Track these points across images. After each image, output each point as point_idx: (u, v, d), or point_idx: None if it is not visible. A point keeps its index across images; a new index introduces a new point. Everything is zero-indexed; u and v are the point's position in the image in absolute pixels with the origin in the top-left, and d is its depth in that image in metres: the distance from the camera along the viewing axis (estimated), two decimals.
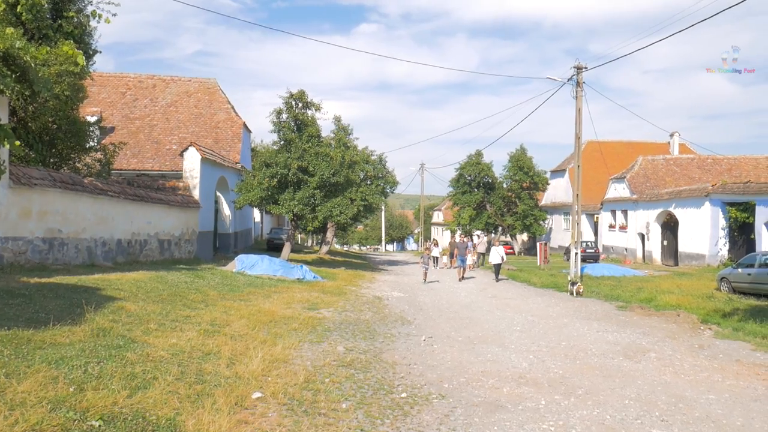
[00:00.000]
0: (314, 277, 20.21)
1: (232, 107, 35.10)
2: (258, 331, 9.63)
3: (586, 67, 21.36)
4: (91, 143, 19.60)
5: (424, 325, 12.42)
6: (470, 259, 25.79)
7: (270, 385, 6.50)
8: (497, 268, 24.11)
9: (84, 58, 15.44)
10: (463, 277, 24.19)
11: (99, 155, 19.66)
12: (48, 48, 15.20)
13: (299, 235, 68.24)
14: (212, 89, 35.65)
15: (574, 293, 18.30)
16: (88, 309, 8.68)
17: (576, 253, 21.49)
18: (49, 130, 17.44)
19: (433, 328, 11.96)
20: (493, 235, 54.31)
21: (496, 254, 23.92)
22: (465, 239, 27.31)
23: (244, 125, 34.74)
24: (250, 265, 19.30)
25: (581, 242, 43.17)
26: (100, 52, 17.77)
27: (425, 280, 22.62)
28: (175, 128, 32.77)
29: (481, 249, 36.29)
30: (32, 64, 12.42)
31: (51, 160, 18.28)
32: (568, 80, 21.56)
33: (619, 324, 12.70)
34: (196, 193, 23.59)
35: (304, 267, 20.81)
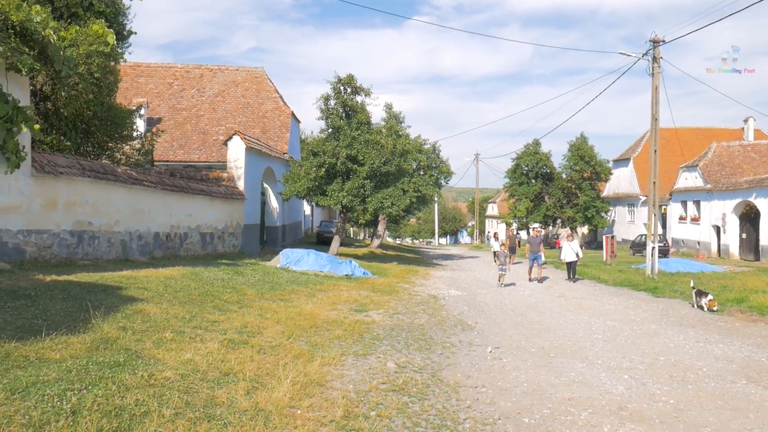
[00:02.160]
0: (364, 273, 18.74)
1: (280, 96, 34.00)
2: (294, 340, 8.17)
3: (663, 41, 19.17)
4: (131, 132, 18.60)
5: (488, 330, 10.76)
6: (544, 257, 21.66)
7: (298, 422, 5.00)
8: (571, 267, 20.69)
9: (114, 37, 14.40)
10: (533, 278, 20.68)
11: (137, 144, 18.64)
12: (77, 27, 14.20)
13: (351, 229, 67.20)
14: (260, 78, 34.63)
15: (705, 307, 13.38)
16: (96, 314, 7.40)
17: (654, 248, 19.37)
18: (84, 117, 16.49)
19: (498, 336, 10.30)
20: (551, 228, 51.89)
21: (570, 250, 20.56)
22: (540, 233, 23.04)
23: (293, 114, 33.59)
24: (295, 260, 17.98)
25: (645, 236, 40.63)
26: (135, 33, 16.67)
27: (501, 283, 18.85)
28: (222, 118, 31.88)
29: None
30: (52, 40, 11.31)
31: (89, 149, 17.38)
32: (643, 55, 19.41)
33: (721, 333, 10.74)
34: (240, 184, 22.46)
35: (353, 262, 19.36)
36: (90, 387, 4.96)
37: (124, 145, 18.60)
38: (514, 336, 10.29)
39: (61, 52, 11.70)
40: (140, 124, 23.69)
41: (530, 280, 20.46)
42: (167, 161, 28.44)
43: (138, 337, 6.91)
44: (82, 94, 15.51)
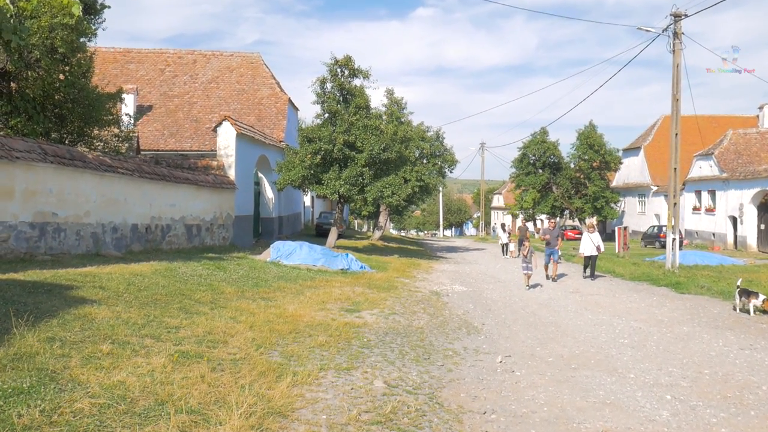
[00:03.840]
0: (361, 267, 17.39)
1: (277, 83, 32.63)
2: (265, 350, 6.83)
3: (685, 15, 17.67)
4: (114, 118, 17.23)
5: (497, 334, 9.40)
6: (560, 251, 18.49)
7: None
8: (591, 263, 18.02)
9: (80, 8, 13.02)
10: (551, 276, 17.64)
11: (115, 129, 17.27)
12: None
13: (355, 221, 65.82)
14: (255, 64, 33.23)
15: (752, 310, 11.23)
16: (20, 321, 6.05)
17: (674, 239, 17.96)
18: (55, 100, 15.16)
19: (509, 340, 8.94)
20: (558, 219, 50.26)
21: (590, 243, 17.72)
22: (555, 224, 19.69)
23: (290, 102, 32.21)
24: (286, 253, 16.64)
25: (658, 227, 39.09)
26: (109, 7, 15.28)
27: (528, 285, 15.72)
28: (215, 106, 30.53)
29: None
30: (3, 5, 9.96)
31: (64, 135, 16.06)
32: (663, 31, 17.92)
33: (767, 337, 9.33)
34: (231, 173, 21.10)
35: (350, 256, 18.00)
36: None
37: (102, 131, 17.29)
38: (526, 341, 8.93)
39: (12, 19, 10.34)
40: (126, 110, 22.28)
41: (548, 278, 17.64)
42: (158, 150, 27.13)
43: (65, 350, 5.58)
44: (50, 72, 14.21)
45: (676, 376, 6.95)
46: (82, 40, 14.36)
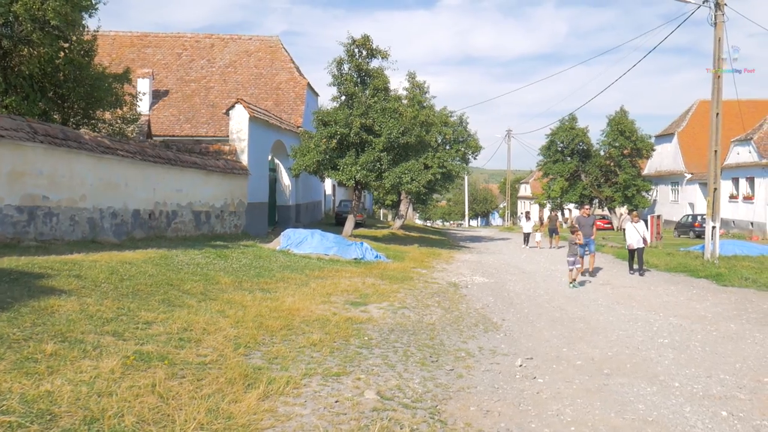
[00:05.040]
0: (376, 256, 16.42)
1: (296, 67, 31.72)
2: (245, 350, 5.90)
3: None
4: (119, 100, 16.42)
5: (518, 332, 8.36)
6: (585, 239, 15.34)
7: None
8: (637, 255, 15.76)
9: None
10: (591, 270, 15.73)
11: (119, 111, 16.50)
12: None
13: (380, 210, 64.84)
14: (274, 47, 32.34)
15: None
16: None
17: (714, 228, 16.64)
18: (56, 80, 14.42)
19: (531, 339, 7.89)
20: (587, 207, 48.70)
21: (635, 234, 15.55)
22: (590, 211, 17.43)
23: (309, 86, 31.29)
24: (297, 241, 15.74)
25: (692, 216, 37.43)
26: None
27: (573, 282, 13.32)
28: (232, 90, 29.73)
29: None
30: None
31: (67, 116, 15.34)
32: (704, 2, 16.52)
33: None
34: (244, 158, 20.24)
35: (365, 244, 17.04)
36: None
37: (106, 113, 16.54)
38: (551, 340, 7.87)
39: None
40: (140, 95, 21.52)
41: (586, 272, 15.42)
42: (172, 136, 26.46)
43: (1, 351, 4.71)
44: (48, 49, 13.44)
45: (730, 385, 5.86)
46: (81, 14, 13.54)
